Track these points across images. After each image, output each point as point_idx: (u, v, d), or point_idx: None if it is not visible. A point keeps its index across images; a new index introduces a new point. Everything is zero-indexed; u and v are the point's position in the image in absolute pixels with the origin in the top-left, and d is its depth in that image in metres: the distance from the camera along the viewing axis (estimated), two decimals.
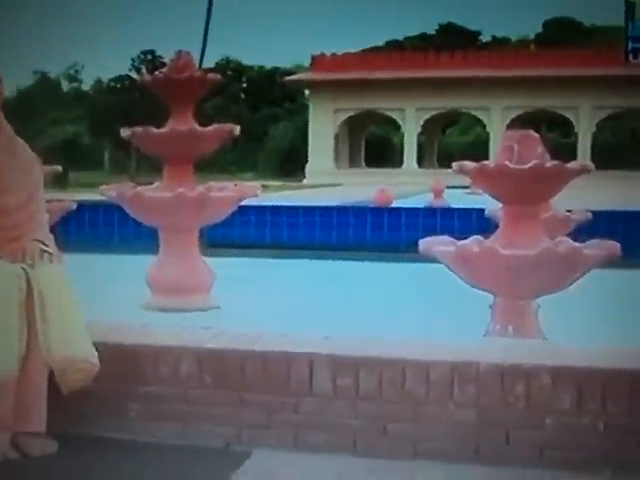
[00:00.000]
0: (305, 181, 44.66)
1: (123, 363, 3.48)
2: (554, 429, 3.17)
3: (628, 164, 44.64)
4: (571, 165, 5.45)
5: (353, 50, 54.74)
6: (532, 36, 69.19)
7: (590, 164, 5.73)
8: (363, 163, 52.59)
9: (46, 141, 51.04)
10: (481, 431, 3.22)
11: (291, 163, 51.98)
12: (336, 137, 49.38)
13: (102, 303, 4.41)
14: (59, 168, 7.28)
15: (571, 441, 3.17)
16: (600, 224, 8.26)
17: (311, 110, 50.53)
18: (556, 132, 51.01)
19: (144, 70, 49.22)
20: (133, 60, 54.84)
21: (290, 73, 56.52)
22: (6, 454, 3.15)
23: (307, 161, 48.99)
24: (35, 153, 3.73)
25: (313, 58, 50.89)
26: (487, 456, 3.21)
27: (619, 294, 7.52)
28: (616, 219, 11.24)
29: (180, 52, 7.19)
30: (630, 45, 35.44)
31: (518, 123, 41.69)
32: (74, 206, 7.51)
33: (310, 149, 49.27)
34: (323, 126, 48.77)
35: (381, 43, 65.95)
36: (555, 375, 3.18)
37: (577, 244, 5.32)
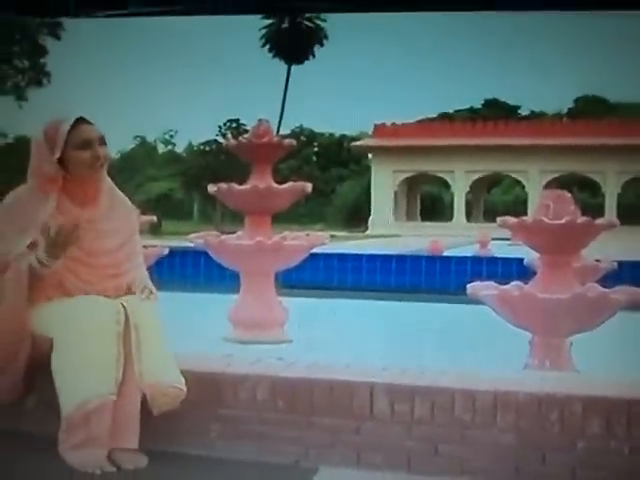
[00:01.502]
0: (368, 232, 44.69)
1: (206, 389, 3.46)
2: (585, 452, 3.10)
3: None
4: (599, 221, 5.39)
5: (410, 120, 54.78)
6: (565, 110, 68.73)
7: (616, 220, 5.66)
8: (418, 217, 52.51)
9: (144, 195, 51.65)
10: (520, 453, 3.16)
11: (356, 216, 52.08)
12: (395, 194, 49.45)
13: (190, 335, 4.42)
14: (154, 218, 7.29)
15: (600, 462, 3.10)
16: (625, 272, 8.12)
17: (373, 171, 50.71)
18: (586, 193, 50.44)
19: (229, 135, 49.72)
20: (220, 127, 55.36)
21: (355, 139, 56.79)
22: (103, 467, 3.15)
23: (370, 215, 49.08)
24: (134, 205, 3.77)
25: (375, 127, 51.13)
26: (525, 475, 3.14)
27: None
28: (638, 268, 11.04)
29: (260, 120, 7.22)
30: None
31: (553, 184, 41.39)
32: (166, 251, 7.52)
33: (372, 204, 49.38)
34: (384, 185, 48.89)
35: (434, 115, 65.98)
36: (586, 404, 3.12)
37: (605, 289, 5.24)
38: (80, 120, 3.44)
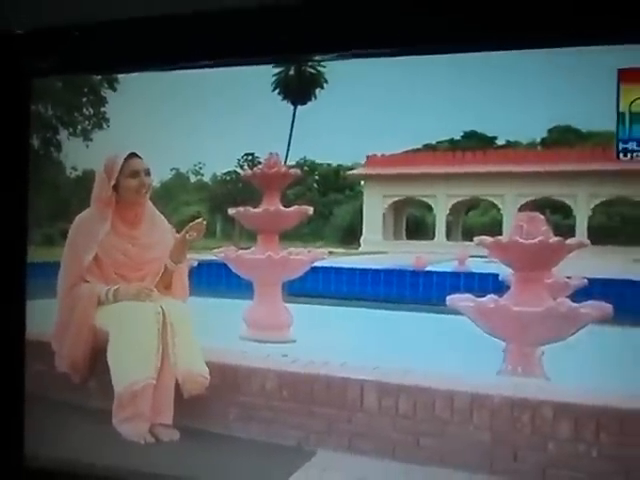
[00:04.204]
0: (360, 249, 44.80)
1: (226, 378, 3.63)
2: (555, 453, 3.09)
3: (618, 242, 44.25)
4: (570, 241, 5.38)
5: (397, 151, 54.95)
6: (538, 140, 68.77)
7: (586, 240, 5.64)
8: (404, 236, 52.61)
9: (178, 217, 51.52)
10: (494, 450, 3.14)
11: (350, 235, 51.99)
12: (384, 216, 49.49)
13: (212, 333, 4.54)
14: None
15: (569, 463, 3.08)
16: (595, 289, 8.10)
17: (365, 196, 50.62)
18: (558, 215, 50.54)
19: (246, 167, 50.14)
20: (238, 160, 55.59)
21: (350, 169, 56.95)
22: (146, 439, 3.44)
23: (362, 234, 49.23)
24: (170, 225, 4.11)
25: (367, 157, 51.21)
26: (498, 469, 3.13)
27: (610, 346, 7.35)
28: (608, 285, 11.01)
29: (271, 154, 7.45)
30: (620, 146, 34.92)
31: (527, 207, 41.49)
32: (195, 263, 7.66)
33: (364, 225, 49.34)
34: (374, 208, 48.80)
35: (419, 146, 66.00)
36: (556, 409, 3.10)
37: (575, 304, 5.22)
38: (132, 154, 3.84)
